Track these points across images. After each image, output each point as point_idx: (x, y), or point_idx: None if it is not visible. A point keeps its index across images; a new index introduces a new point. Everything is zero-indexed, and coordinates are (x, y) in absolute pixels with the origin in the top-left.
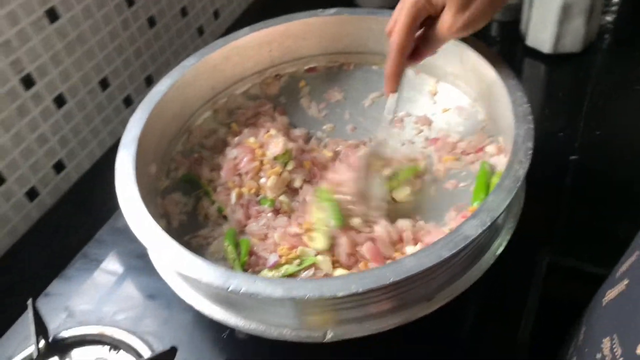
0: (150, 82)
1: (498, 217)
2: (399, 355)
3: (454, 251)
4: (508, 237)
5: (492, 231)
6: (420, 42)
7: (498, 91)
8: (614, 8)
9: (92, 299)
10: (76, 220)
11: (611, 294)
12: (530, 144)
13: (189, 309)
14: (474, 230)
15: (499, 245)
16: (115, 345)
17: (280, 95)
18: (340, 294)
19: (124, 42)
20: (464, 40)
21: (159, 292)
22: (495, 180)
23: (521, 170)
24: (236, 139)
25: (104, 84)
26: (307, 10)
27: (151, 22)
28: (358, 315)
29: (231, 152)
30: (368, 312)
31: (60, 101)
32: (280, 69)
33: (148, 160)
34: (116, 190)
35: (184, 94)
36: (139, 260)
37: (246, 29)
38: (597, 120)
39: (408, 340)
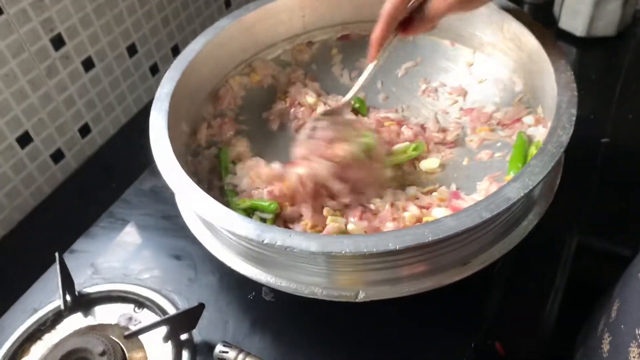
0: (176, 51)
1: (540, 181)
2: (421, 319)
3: (495, 212)
4: (544, 209)
5: (531, 199)
6: (415, 15)
7: (539, 60)
8: None
9: (117, 257)
10: (100, 184)
11: None
12: (573, 111)
13: (215, 269)
14: (515, 192)
15: (535, 216)
16: (140, 302)
17: (311, 63)
18: (377, 250)
19: (153, 8)
20: (506, 9)
21: (184, 253)
22: (533, 150)
23: (564, 136)
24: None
25: (132, 50)
26: None
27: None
28: (391, 276)
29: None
30: (401, 273)
31: (88, 64)
32: (312, 35)
33: (179, 118)
34: (151, 143)
35: (216, 55)
36: (165, 221)
37: None
38: (629, 103)
39: (432, 306)
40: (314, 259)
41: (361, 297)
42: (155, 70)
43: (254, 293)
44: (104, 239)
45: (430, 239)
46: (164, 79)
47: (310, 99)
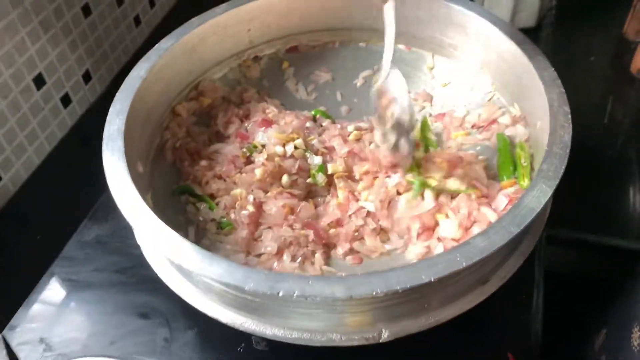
0: (88, 78)
1: (558, 184)
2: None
3: (523, 226)
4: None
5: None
6: None
7: (513, 58)
8: None
9: (72, 326)
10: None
11: None
12: (567, 108)
13: (193, 324)
14: (537, 201)
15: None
16: None
17: (262, 79)
18: (411, 285)
19: (58, 32)
20: (470, 8)
21: (151, 310)
22: (519, 152)
23: (566, 135)
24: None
25: (39, 80)
26: None
27: (86, 11)
28: (413, 309)
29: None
30: (425, 303)
31: None
32: (258, 50)
33: (134, 158)
34: (111, 192)
35: (162, 80)
36: (120, 276)
37: (224, 5)
38: None
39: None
40: (331, 303)
41: (385, 336)
42: (67, 102)
43: (243, 344)
44: (49, 306)
45: (464, 264)
46: (110, 114)
47: (273, 113)
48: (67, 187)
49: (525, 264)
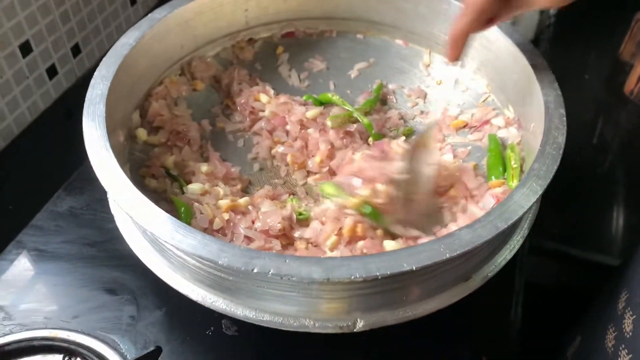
0: (77, 51)
1: (548, 184)
2: (391, 347)
3: (510, 222)
4: (536, 213)
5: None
6: (499, 6)
7: (511, 59)
8: None
9: (35, 297)
10: None
11: None
12: (562, 111)
13: (161, 303)
14: (526, 199)
15: (528, 222)
16: (72, 351)
17: (255, 62)
18: (391, 272)
19: (50, 2)
20: None
21: (120, 286)
22: (509, 153)
23: (560, 137)
24: None
25: (25, 48)
26: None
27: None
28: (391, 299)
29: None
30: (404, 295)
31: None
32: (254, 32)
33: (115, 125)
34: (89, 158)
35: (152, 51)
36: (90, 249)
37: None
38: None
39: (419, 331)
40: (306, 286)
41: (360, 326)
42: (54, 73)
43: (212, 327)
44: (14, 275)
45: (447, 255)
46: (95, 78)
47: (265, 97)
48: (45, 160)
49: (506, 271)
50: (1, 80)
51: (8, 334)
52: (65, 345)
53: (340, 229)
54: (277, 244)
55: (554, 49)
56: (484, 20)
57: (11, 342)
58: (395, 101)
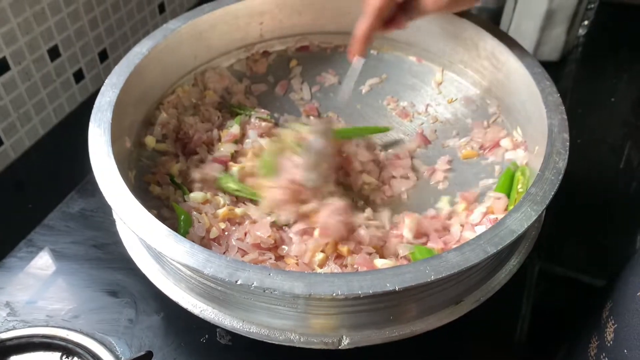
0: (104, 57)
1: (543, 210)
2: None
3: (500, 247)
4: (535, 239)
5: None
6: (398, 10)
7: (520, 81)
8: (586, 22)
9: (39, 295)
10: (12, 204)
11: None
12: (566, 135)
13: (160, 308)
14: (518, 224)
15: (526, 247)
16: (69, 350)
17: (267, 74)
18: (374, 291)
19: (80, 8)
20: (483, 26)
21: (122, 289)
22: (519, 176)
23: (561, 162)
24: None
25: (54, 52)
26: None
27: None
28: (378, 318)
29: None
30: (391, 314)
31: (1, 67)
32: (268, 45)
33: (122, 132)
34: (91, 161)
35: (164, 60)
36: (97, 251)
37: None
38: (577, 128)
39: (398, 349)
40: (292, 300)
41: (345, 343)
42: (80, 77)
43: (207, 336)
44: (21, 272)
45: (432, 277)
46: (105, 85)
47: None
48: (67, 161)
49: (512, 295)
50: (29, 83)
51: (11, 330)
52: (64, 344)
53: (326, 244)
54: (271, 257)
55: (581, 71)
56: (382, 22)
57: (12, 337)
58: (408, 118)
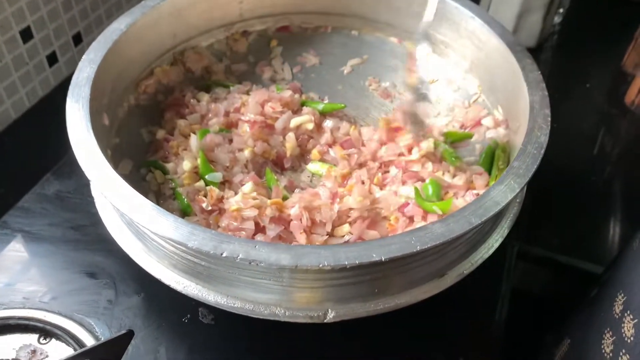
0: (79, 40)
1: (526, 183)
2: (369, 341)
3: (484, 218)
4: (517, 214)
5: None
6: None
7: (501, 60)
8: (561, 10)
9: (15, 277)
10: None
11: None
12: (547, 111)
13: (140, 288)
14: (502, 196)
15: (508, 221)
16: (47, 331)
17: (248, 54)
18: (360, 262)
19: None
20: (465, 5)
21: (100, 270)
22: (500, 153)
23: (543, 137)
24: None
25: (26, 34)
26: None
27: None
28: (362, 291)
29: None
30: (376, 287)
31: None
32: (248, 24)
33: (100, 109)
34: (69, 138)
35: (143, 38)
36: (74, 233)
37: None
38: (553, 115)
39: (380, 324)
40: (277, 273)
41: (330, 317)
42: (54, 60)
43: (189, 315)
44: None
45: (418, 248)
46: (83, 61)
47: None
48: (40, 146)
49: (492, 274)
50: (0, 64)
51: None
52: (41, 325)
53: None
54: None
55: (557, 58)
56: None
57: None
58: (388, 98)
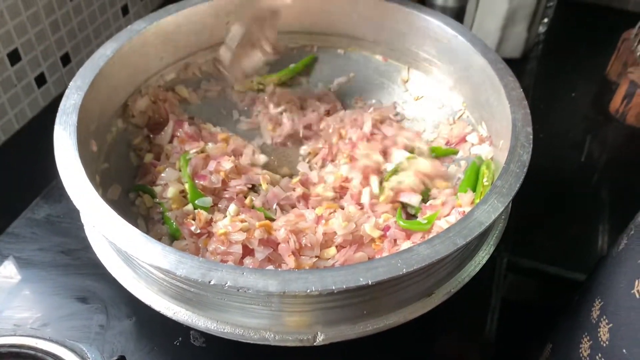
0: (67, 61)
1: (509, 202)
2: (357, 351)
3: (469, 239)
4: (502, 231)
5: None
6: None
7: (484, 77)
8: (546, 20)
9: (6, 304)
10: None
11: None
12: (529, 129)
13: (131, 312)
14: (486, 216)
15: (494, 238)
16: (38, 359)
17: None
18: (347, 286)
19: (40, 11)
20: (448, 24)
21: (91, 294)
22: (484, 170)
23: (525, 155)
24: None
25: (14, 56)
26: None
27: None
28: (351, 313)
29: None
30: (364, 309)
31: None
32: None
33: (88, 135)
34: (57, 167)
35: (130, 62)
36: (65, 257)
37: None
38: (539, 123)
39: (370, 344)
40: (266, 299)
41: (320, 340)
42: (42, 81)
43: (180, 338)
44: None
45: (404, 271)
46: (70, 88)
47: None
48: (30, 168)
49: (481, 287)
50: None
51: None
52: (32, 352)
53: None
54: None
55: (542, 67)
56: None
57: None
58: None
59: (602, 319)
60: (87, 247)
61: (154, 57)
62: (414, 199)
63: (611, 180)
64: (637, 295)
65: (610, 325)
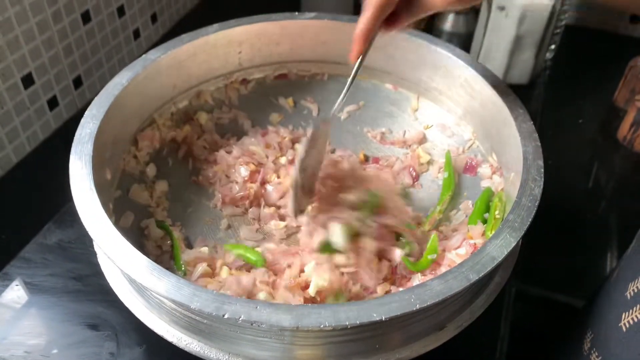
0: (79, 84)
1: (521, 237)
2: None
3: (482, 274)
4: (513, 263)
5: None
6: (401, 6)
7: (495, 109)
8: (553, 46)
9: (17, 330)
10: None
11: (629, 317)
12: (540, 162)
13: (142, 340)
14: (499, 251)
15: (506, 271)
16: None
17: (247, 102)
18: (361, 322)
19: (54, 35)
20: (458, 56)
21: (102, 321)
22: (496, 202)
23: (537, 189)
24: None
25: (28, 80)
26: (280, 13)
27: (85, 18)
28: (363, 347)
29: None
30: (375, 344)
31: None
32: (247, 73)
33: (103, 164)
34: (73, 196)
35: (144, 91)
36: (76, 283)
37: (216, 25)
38: (548, 150)
39: None
40: (279, 333)
41: None
42: (54, 104)
43: None
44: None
45: (418, 306)
46: (85, 117)
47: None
48: (41, 191)
49: (491, 316)
50: (2, 111)
51: None
52: None
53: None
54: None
55: (549, 93)
56: (384, 17)
57: None
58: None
59: (592, 352)
60: (98, 273)
61: (167, 85)
62: (397, 254)
63: (619, 207)
64: (624, 329)
65: (600, 358)
